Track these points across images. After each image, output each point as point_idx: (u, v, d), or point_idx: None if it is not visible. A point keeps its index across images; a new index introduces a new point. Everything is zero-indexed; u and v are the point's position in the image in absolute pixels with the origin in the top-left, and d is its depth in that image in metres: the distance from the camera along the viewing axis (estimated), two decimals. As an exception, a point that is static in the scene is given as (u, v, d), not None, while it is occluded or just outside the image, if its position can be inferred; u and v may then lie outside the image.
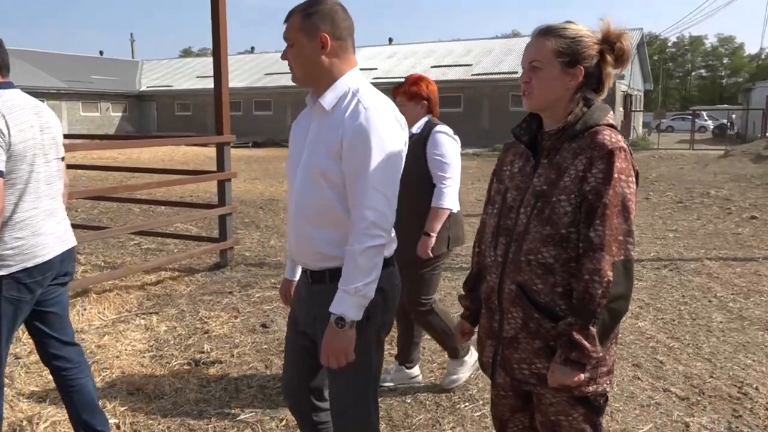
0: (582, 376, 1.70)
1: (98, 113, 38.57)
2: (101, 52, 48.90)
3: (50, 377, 2.87)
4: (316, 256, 2.06)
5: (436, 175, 3.32)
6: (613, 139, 1.71)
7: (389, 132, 1.95)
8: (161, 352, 4.25)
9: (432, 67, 32.04)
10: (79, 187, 13.46)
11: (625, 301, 1.71)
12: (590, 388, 1.77)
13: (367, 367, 2.08)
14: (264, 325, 4.75)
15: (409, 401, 3.53)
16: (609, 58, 1.80)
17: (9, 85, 2.49)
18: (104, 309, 5.08)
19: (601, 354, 1.70)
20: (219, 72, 6.27)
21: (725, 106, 54.33)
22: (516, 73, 30.56)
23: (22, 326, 2.67)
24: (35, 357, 3.70)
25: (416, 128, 3.38)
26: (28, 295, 2.51)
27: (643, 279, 6.10)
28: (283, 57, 2.07)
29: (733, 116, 42.53)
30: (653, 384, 3.72)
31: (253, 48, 49.76)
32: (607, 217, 1.67)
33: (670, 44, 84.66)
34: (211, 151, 23.77)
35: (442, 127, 3.39)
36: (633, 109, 35.13)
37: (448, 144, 3.34)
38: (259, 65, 39.57)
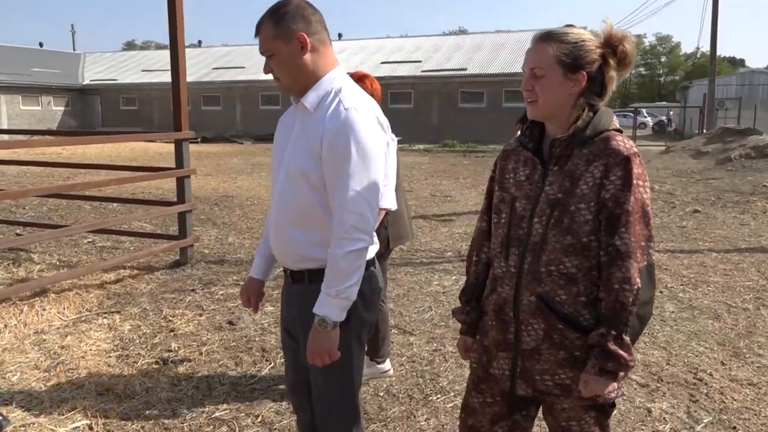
0: (615, 384, 1.72)
1: (39, 107, 37.18)
2: (41, 44, 47.11)
3: None
4: (296, 256, 2.07)
5: None
6: (627, 145, 1.71)
7: (370, 133, 1.93)
8: (127, 352, 4.18)
9: (382, 63, 32.11)
10: (24, 184, 13.00)
11: (650, 305, 1.74)
12: (614, 394, 1.78)
13: (349, 366, 2.10)
14: (230, 323, 4.73)
15: (381, 395, 3.59)
16: (612, 62, 1.77)
17: None
18: (64, 309, 4.95)
19: (635, 360, 1.70)
20: (176, 66, 6.18)
21: (664, 103, 56.25)
22: (465, 69, 30.97)
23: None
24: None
25: None
26: None
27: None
28: (267, 70, 2.02)
29: (671, 113, 44.11)
30: (614, 372, 3.88)
31: (200, 42, 48.70)
32: (631, 224, 1.67)
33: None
34: (160, 147, 23.36)
35: None
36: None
37: None
38: (207, 59, 38.87)
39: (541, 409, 2.00)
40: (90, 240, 7.55)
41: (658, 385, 3.69)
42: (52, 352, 4.10)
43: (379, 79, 3.72)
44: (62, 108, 38.38)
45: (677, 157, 16.86)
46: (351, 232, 1.90)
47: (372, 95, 3.45)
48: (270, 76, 2.05)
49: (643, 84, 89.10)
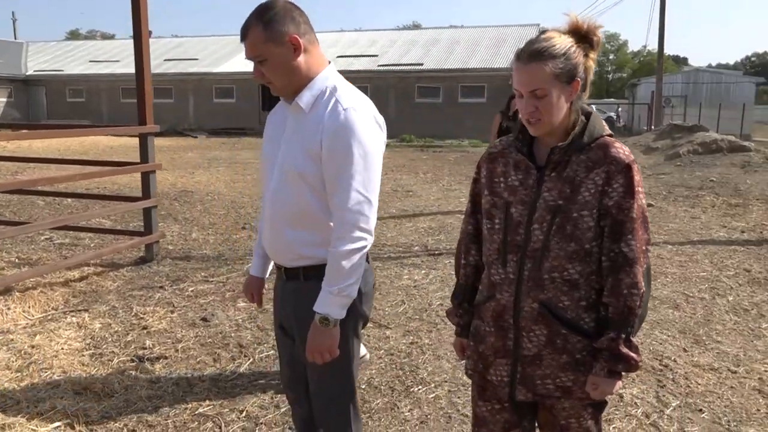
0: (620, 383, 1.79)
1: (-21, 98, 35.70)
2: (-21, 32, 45.12)
3: None
4: (292, 255, 2.08)
5: None
6: (626, 152, 1.74)
7: (369, 134, 1.95)
8: (100, 350, 4.12)
9: (338, 57, 31.97)
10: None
11: (647, 304, 1.80)
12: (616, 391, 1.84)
13: (347, 361, 2.13)
14: (204, 319, 4.69)
15: (363, 387, 3.64)
16: (591, 55, 1.78)
17: None
18: (29, 308, 4.83)
19: (642, 359, 1.80)
20: (141, 58, 6.08)
21: (612, 99, 57.76)
22: (421, 64, 31.14)
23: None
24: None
25: None
26: None
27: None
28: (257, 75, 1.98)
29: (620, 110, 45.33)
30: (585, 360, 4.03)
31: (151, 32, 47.39)
32: (635, 231, 1.71)
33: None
34: (111, 140, 22.76)
35: None
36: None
37: None
38: (158, 50, 37.91)
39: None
40: (47, 237, 7.34)
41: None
42: (22, 351, 4.00)
43: None
44: (4, 99, 36.86)
45: (628, 152, 17.36)
46: (352, 232, 1.92)
47: None
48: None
49: (592, 81, 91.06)
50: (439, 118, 29.56)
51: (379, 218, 3.78)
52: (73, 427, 3.13)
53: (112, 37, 61.06)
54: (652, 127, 25.75)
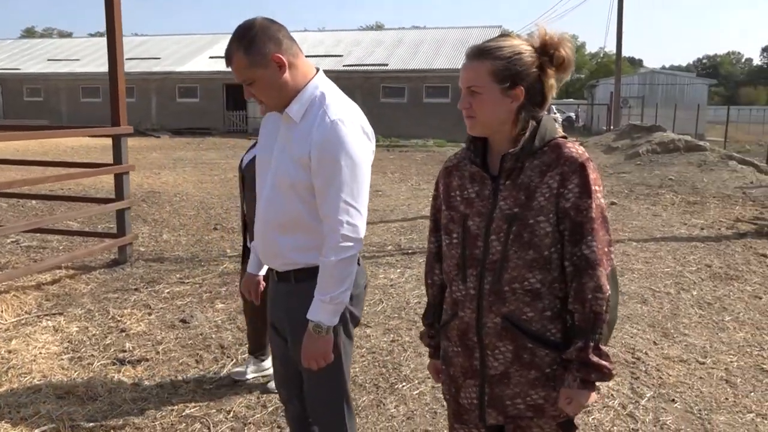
0: (595, 394, 1.68)
1: (-69, 97, 34.48)
2: (-71, 29, 43.58)
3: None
4: (282, 260, 2.12)
5: None
6: (579, 151, 1.68)
7: (356, 145, 1.98)
8: (79, 354, 4.08)
9: (304, 57, 31.82)
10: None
11: (616, 309, 1.72)
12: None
13: (340, 362, 2.18)
14: (183, 321, 4.68)
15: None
16: (549, 70, 1.71)
17: None
18: (2, 311, 4.74)
19: (614, 367, 1.65)
20: (114, 59, 6.02)
21: (572, 100, 58.85)
22: (386, 65, 31.26)
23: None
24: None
25: None
26: None
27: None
28: (248, 95, 2.04)
29: (579, 110, 46.25)
30: (561, 355, 4.16)
31: (108, 30, 46.46)
32: (595, 232, 1.64)
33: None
34: (72, 141, 22.24)
35: None
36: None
37: None
38: (118, 49, 37.23)
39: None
40: (14, 240, 7.19)
41: (602, 365, 3.99)
42: (-1, 356, 3.95)
43: None
44: (-43, 98, 35.76)
45: (590, 152, 17.54)
46: (342, 241, 1.97)
47: None
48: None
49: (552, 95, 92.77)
50: (404, 118, 29.71)
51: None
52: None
53: (69, 35, 59.63)
54: (611, 127, 26.37)
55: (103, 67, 34.20)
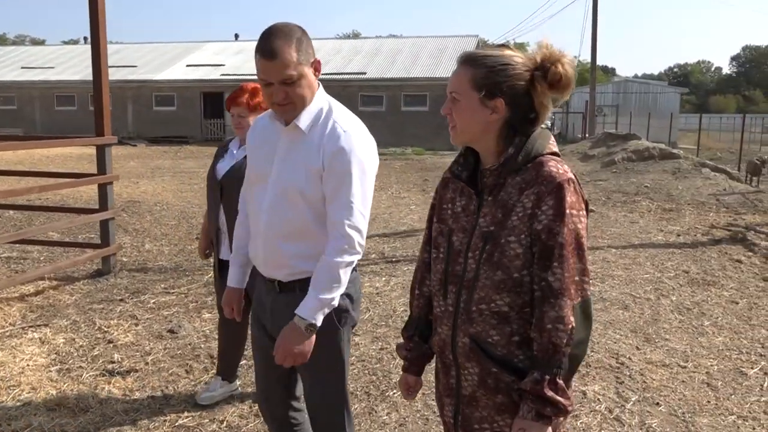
0: (550, 429, 1.58)
1: None
2: None
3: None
4: (287, 269, 2.14)
5: None
6: (560, 171, 1.59)
7: (367, 155, 2.06)
8: (67, 365, 4.06)
9: (281, 64, 31.82)
10: None
11: (585, 345, 1.61)
12: None
13: (341, 366, 2.23)
14: (171, 331, 4.67)
15: (339, 393, 3.72)
16: (540, 86, 1.61)
17: None
18: (-14, 324, 4.70)
19: (572, 403, 1.58)
20: (98, 68, 5.99)
21: (548, 108, 59.35)
22: (364, 73, 31.39)
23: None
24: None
25: None
26: None
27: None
28: (281, 97, 1.98)
29: (554, 118, 46.81)
30: (547, 361, 4.24)
31: (86, 38, 46.07)
32: (565, 258, 1.54)
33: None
34: (46, 150, 21.91)
35: None
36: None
37: None
38: (93, 57, 36.84)
39: None
40: (-7, 250, 7.10)
41: (588, 369, 4.08)
42: (-14, 369, 3.91)
43: None
44: (-72, 106, 35.03)
45: (567, 160, 17.90)
46: (349, 245, 2.02)
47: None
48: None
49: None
50: (382, 126, 29.76)
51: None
52: (52, 444, 3.10)
53: (42, 42, 58.84)
54: (587, 135, 26.76)
55: (78, 75, 34.08)
